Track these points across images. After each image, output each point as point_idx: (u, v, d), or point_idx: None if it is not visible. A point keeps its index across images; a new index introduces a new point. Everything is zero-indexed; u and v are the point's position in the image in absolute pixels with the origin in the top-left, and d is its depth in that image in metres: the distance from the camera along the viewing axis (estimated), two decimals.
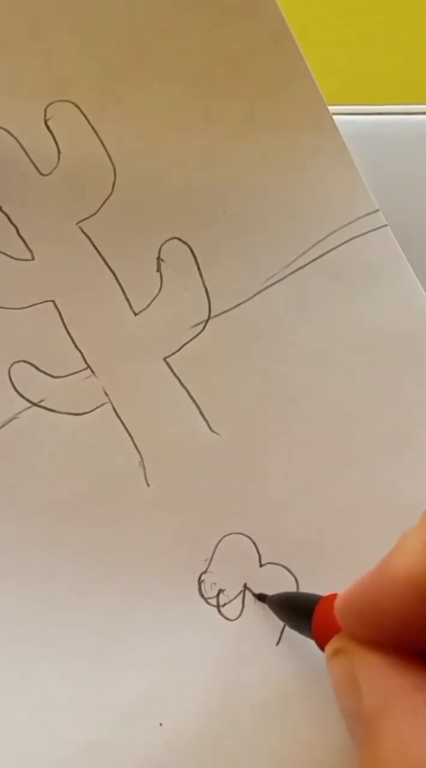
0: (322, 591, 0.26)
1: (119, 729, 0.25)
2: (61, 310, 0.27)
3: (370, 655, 0.19)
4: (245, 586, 0.26)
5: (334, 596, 0.22)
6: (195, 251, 0.28)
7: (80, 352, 0.27)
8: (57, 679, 0.25)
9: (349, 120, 0.30)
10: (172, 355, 0.27)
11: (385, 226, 0.28)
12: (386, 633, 0.19)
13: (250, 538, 0.26)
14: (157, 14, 0.28)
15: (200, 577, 0.26)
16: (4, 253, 0.27)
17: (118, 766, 0.25)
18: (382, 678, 0.18)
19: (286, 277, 0.28)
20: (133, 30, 0.28)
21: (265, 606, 0.26)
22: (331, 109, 0.28)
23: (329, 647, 0.21)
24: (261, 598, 0.25)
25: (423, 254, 0.28)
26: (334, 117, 0.28)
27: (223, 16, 0.28)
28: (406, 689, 0.18)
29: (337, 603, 0.20)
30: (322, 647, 0.22)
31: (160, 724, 0.25)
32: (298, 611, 0.23)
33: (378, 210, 0.28)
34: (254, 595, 0.25)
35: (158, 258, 0.28)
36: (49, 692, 0.25)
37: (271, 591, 0.26)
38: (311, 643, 0.24)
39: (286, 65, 0.28)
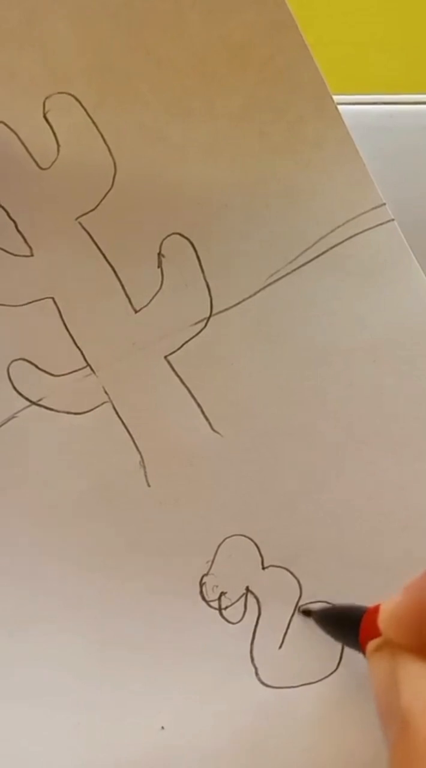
0: (325, 594, 0.25)
1: (120, 731, 0.25)
2: (60, 307, 0.27)
3: (411, 658, 0.20)
4: (247, 589, 0.25)
5: (378, 607, 0.22)
6: (197, 247, 0.27)
7: (80, 350, 0.27)
8: (57, 681, 0.25)
9: (354, 110, 0.29)
10: (173, 353, 0.27)
11: (392, 220, 0.27)
12: None
13: (253, 540, 0.26)
14: (156, 3, 0.27)
15: (202, 580, 0.25)
16: (3, 249, 0.27)
17: (120, 766, 0.24)
18: (420, 678, 0.20)
19: (289, 273, 0.27)
20: (131, 20, 0.27)
21: (265, 608, 0.25)
22: (336, 98, 0.27)
23: (371, 645, 0.22)
24: (306, 612, 0.25)
25: None
26: (339, 107, 0.27)
27: (223, 3, 0.27)
28: None
29: (381, 615, 0.22)
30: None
31: (162, 728, 0.25)
32: (345, 623, 0.24)
33: (384, 204, 0.27)
34: (299, 611, 0.25)
35: (159, 254, 0.27)
36: (50, 693, 0.25)
37: (273, 594, 0.25)
38: (314, 646, 0.24)
39: (288, 53, 0.27)
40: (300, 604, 0.25)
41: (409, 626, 0.21)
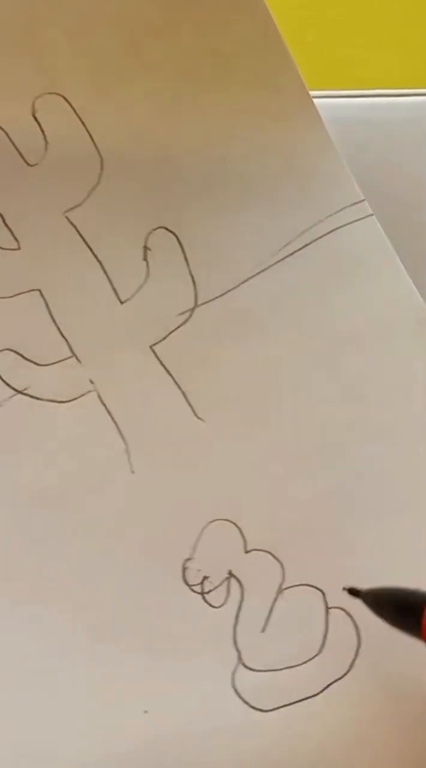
0: (308, 577, 0.26)
1: (104, 716, 0.24)
2: (47, 299, 0.27)
3: None
4: (230, 573, 0.26)
5: None
6: (181, 240, 0.28)
7: (66, 340, 0.27)
8: (43, 665, 0.25)
9: (334, 103, 0.30)
10: (158, 343, 0.27)
11: (371, 215, 0.28)
12: None
13: (236, 524, 0.26)
14: (147, 9, 0.28)
15: (184, 564, 0.26)
16: None
17: (103, 752, 0.24)
18: None
19: (272, 266, 0.28)
20: (122, 24, 0.28)
21: (248, 592, 0.25)
22: (316, 92, 0.28)
23: None
24: (353, 592, 0.24)
25: (409, 241, 0.28)
26: (321, 101, 0.28)
27: (211, 12, 0.28)
28: None
29: None
30: None
31: (146, 711, 0.25)
32: (402, 608, 0.23)
33: (364, 200, 0.28)
34: (345, 588, 0.24)
35: (145, 246, 0.28)
36: (34, 677, 0.25)
37: (255, 578, 0.25)
38: (297, 630, 0.24)
39: (272, 61, 0.28)
40: (283, 587, 0.25)
41: None
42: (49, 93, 0.28)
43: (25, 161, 0.28)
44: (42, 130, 0.28)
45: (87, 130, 0.28)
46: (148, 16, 0.28)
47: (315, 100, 0.29)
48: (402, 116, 0.31)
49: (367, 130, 0.30)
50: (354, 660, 0.25)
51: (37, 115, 0.28)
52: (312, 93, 0.29)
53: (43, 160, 0.28)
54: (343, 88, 0.31)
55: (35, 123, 0.28)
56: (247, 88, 0.28)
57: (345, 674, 0.25)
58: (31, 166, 0.28)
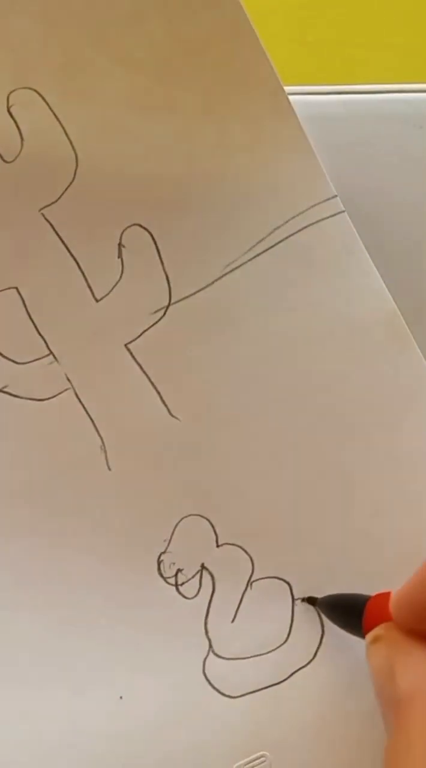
0: (276, 570, 0.27)
1: (80, 702, 0.26)
2: (23, 297, 0.28)
3: (410, 644, 0.21)
4: (203, 566, 0.27)
5: (381, 596, 0.23)
6: (156, 237, 0.28)
7: (43, 338, 0.28)
8: (17, 656, 0.26)
9: (308, 100, 0.30)
10: (133, 341, 0.28)
11: (343, 212, 0.28)
12: None
13: (208, 520, 0.27)
14: (119, 2, 0.28)
15: (159, 557, 0.26)
16: None
17: (78, 740, 0.25)
18: (417, 665, 0.20)
19: (245, 263, 0.28)
20: (94, 18, 0.28)
21: (219, 584, 0.26)
22: (290, 89, 0.28)
23: (370, 636, 0.22)
24: (310, 601, 0.26)
25: (379, 236, 0.28)
26: (294, 97, 0.28)
27: (183, 5, 0.28)
28: None
29: (393, 597, 0.22)
30: None
31: (121, 698, 0.26)
32: (348, 611, 0.24)
33: (336, 196, 0.28)
34: (302, 599, 0.26)
35: (119, 244, 0.28)
36: (10, 668, 0.26)
37: (226, 571, 0.26)
38: (265, 620, 0.25)
39: (245, 54, 0.28)
40: (252, 579, 0.26)
41: (414, 609, 0.21)
42: (23, 88, 0.28)
43: (2, 158, 0.28)
44: (17, 126, 0.28)
45: (62, 126, 0.28)
46: (117, 7, 0.28)
47: (302, 97, 0.29)
48: (372, 112, 0.30)
49: (338, 126, 0.30)
50: (318, 649, 0.26)
51: (12, 111, 0.28)
52: (299, 88, 0.28)
53: (18, 156, 0.28)
54: (311, 82, 0.31)
55: (11, 119, 0.28)
56: (219, 82, 0.28)
57: (309, 662, 0.26)
58: (8, 162, 0.28)
